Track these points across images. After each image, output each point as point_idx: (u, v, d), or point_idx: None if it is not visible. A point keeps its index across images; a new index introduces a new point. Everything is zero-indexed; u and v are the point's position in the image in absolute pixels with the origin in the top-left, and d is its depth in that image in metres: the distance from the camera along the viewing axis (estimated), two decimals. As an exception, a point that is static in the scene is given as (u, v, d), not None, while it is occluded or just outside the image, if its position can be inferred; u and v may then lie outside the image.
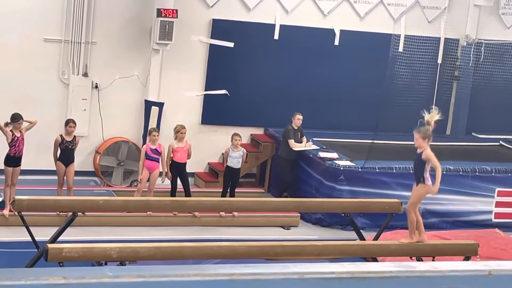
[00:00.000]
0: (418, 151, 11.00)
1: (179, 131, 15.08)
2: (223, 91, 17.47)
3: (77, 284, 2.75)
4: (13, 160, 13.87)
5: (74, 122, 14.46)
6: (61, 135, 14.37)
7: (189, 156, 15.14)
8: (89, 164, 16.62)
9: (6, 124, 13.77)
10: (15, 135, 13.80)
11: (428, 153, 10.87)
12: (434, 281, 3.30)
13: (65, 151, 14.33)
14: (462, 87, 19.04)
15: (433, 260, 11.51)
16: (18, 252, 12.07)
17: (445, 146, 18.01)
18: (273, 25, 17.64)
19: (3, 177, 14.07)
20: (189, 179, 15.40)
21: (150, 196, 14.59)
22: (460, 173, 16.19)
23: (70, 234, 11.51)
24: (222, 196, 15.27)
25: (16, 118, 13.87)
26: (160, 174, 14.95)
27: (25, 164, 14.23)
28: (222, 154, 16.63)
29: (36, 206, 11.48)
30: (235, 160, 15.44)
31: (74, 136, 14.41)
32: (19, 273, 2.76)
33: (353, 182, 15.62)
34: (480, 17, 19.06)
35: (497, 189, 16.36)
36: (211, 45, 17.30)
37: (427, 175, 10.94)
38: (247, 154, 15.84)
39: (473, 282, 3.33)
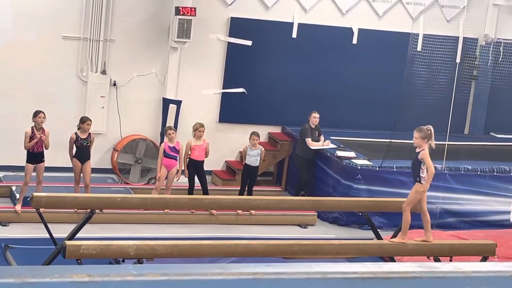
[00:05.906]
0: (417, 150, 10.98)
1: (197, 129, 15.08)
2: (240, 89, 17.47)
3: (101, 282, 2.76)
4: (34, 156, 13.98)
5: (90, 120, 14.53)
6: (75, 133, 14.43)
7: (206, 155, 15.15)
8: (106, 162, 16.67)
9: (32, 131, 13.94)
10: (34, 133, 13.91)
11: (425, 154, 10.85)
12: (456, 282, 3.30)
13: (81, 148, 14.40)
14: (480, 86, 18.96)
15: (450, 260, 11.49)
16: (35, 249, 12.10)
17: (463, 145, 17.97)
18: (291, 24, 17.63)
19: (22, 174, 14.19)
20: (206, 177, 15.42)
21: (168, 194, 14.61)
22: (478, 173, 16.14)
23: (87, 231, 11.55)
24: (239, 195, 15.27)
25: (37, 112, 14.01)
26: (177, 171, 14.99)
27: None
28: (240, 152, 16.64)
29: (54, 203, 11.53)
30: (253, 158, 15.44)
31: (89, 133, 14.47)
32: (44, 270, 2.78)
33: (370, 181, 15.60)
34: (499, 16, 18.99)
35: (516, 189, 16.30)
36: (229, 43, 17.31)
37: (423, 175, 10.93)
38: (265, 152, 15.83)
39: (495, 283, 3.32)
